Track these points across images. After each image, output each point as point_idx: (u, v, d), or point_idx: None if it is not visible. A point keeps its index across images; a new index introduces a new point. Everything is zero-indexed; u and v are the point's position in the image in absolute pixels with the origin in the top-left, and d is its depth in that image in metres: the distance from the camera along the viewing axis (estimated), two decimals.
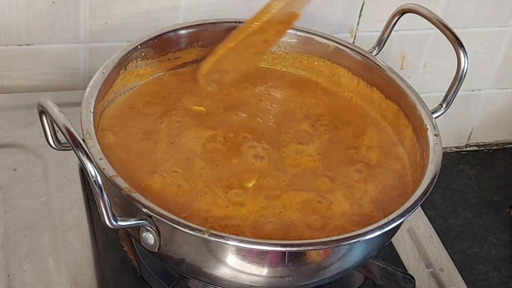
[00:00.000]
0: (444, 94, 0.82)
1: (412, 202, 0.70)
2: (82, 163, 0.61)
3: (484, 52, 1.15)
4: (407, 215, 0.69)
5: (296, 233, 0.70)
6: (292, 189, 0.74)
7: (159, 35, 0.83)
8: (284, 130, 0.82)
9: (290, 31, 0.88)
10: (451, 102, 0.82)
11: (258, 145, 0.79)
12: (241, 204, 0.72)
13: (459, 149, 1.25)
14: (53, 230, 0.81)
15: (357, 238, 0.66)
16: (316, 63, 0.88)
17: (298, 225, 0.71)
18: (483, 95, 1.20)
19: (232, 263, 0.66)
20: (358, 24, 1.06)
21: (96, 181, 0.61)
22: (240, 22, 0.87)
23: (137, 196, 0.66)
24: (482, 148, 1.26)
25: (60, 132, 0.63)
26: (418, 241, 0.89)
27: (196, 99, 0.83)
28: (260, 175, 0.75)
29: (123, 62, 0.80)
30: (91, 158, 0.62)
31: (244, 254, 0.66)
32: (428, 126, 0.78)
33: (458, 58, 0.80)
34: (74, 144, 0.62)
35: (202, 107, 0.83)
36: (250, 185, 0.74)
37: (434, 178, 0.72)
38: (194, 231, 0.63)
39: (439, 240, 0.90)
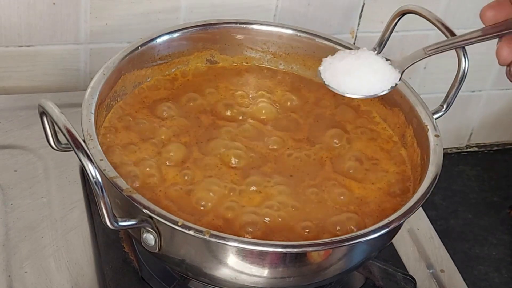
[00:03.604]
0: (444, 95, 0.82)
1: (412, 203, 0.70)
2: (82, 164, 0.61)
3: (485, 53, 1.14)
4: (408, 216, 0.69)
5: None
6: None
7: (160, 36, 0.83)
8: (285, 129, 0.82)
9: (290, 32, 0.88)
10: (452, 103, 0.82)
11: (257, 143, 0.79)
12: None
13: (459, 150, 1.25)
14: (54, 231, 0.81)
15: (358, 239, 0.66)
16: (317, 64, 0.88)
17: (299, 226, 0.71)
18: (484, 96, 1.20)
19: (232, 264, 0.66)
20: (358, 25, 1.06)
21: (96, 182, 0.61)
22: (241, 23, 0.87)
23: (137, 197, 0.66)
24: (483, 149, 1.26)
25: (60, 133, 0.63)
26: (419, 242, 0.89)
27: (197, 99, 0.84)
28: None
29: (124, 63, 0.80)
30: (92, 159, 0.62)
31: (245, 255, 0.66)
32: (428, 127, 0.78)
33: (458, 59, 0.80)
34: (75, 145, 0.62)
35: (203, 107, 0.83)
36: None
37: (434, 179, 0.72)
38: (194, 232, 0.63)
39: (440, 241, 0.90)
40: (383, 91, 0.77)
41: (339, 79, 0.78)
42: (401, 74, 0.78)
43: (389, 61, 0.78)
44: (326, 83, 0.78)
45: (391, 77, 0.78)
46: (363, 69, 0.78)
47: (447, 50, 0.76)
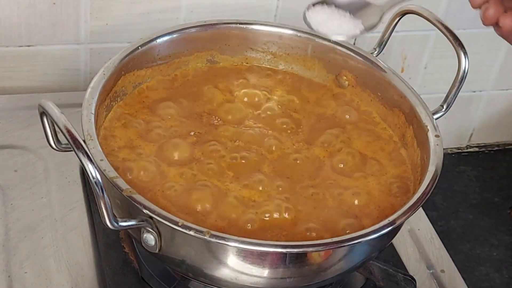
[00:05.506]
0: (445, 95, 0.82)
1: (413, 203, 0.70)
2: (83, 164, 0.61)
3: (485, 53, 1.15)
4: (408, 216, 0.69)
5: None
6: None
7: (160, 36, 0.83)
8: (285, 129, 0.82)
9: (290, 32, 0.88)
10: (452, 103, 0.82)
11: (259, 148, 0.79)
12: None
13: (460, 150, 1.25)
14: (54, 231, 0.81)
15: (358, 239, 0.66)
16: (317, 64, 0.88)
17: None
18: (484, 96, 1.20)
19: (232, 264, 0.66)
20: None
21: (97, 182, 0.61)
22: (241, 23, 0.87)
23: (137, 197, 0.66)
24: (483, 149, 1.26)
25: (61, 133, 0.63)
26: (419, 242, 0.89)
27: (197, 99, 0.84)
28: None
29: (124, 63, 0.80)
30: (92, 159, 0.62)
31: (245, 255, 0.66)
32: (429, 127, 0.78)
33: (459, 59, 0.80)
34: (75, 145, 0.62)
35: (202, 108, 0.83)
36: None
37: (435, 179, 0.72)
38: (195, 232, 0.63)
39: (440, 241, 0.90)
40: (361, 31, 0.75)
41: (322, 24, 0.76)
42: (380, 17, 0.75)
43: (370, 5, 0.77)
44: (313, 27, 0.76)
45: (368, 19, 0.76)
46: (341, 13, 0.75)
47: None
